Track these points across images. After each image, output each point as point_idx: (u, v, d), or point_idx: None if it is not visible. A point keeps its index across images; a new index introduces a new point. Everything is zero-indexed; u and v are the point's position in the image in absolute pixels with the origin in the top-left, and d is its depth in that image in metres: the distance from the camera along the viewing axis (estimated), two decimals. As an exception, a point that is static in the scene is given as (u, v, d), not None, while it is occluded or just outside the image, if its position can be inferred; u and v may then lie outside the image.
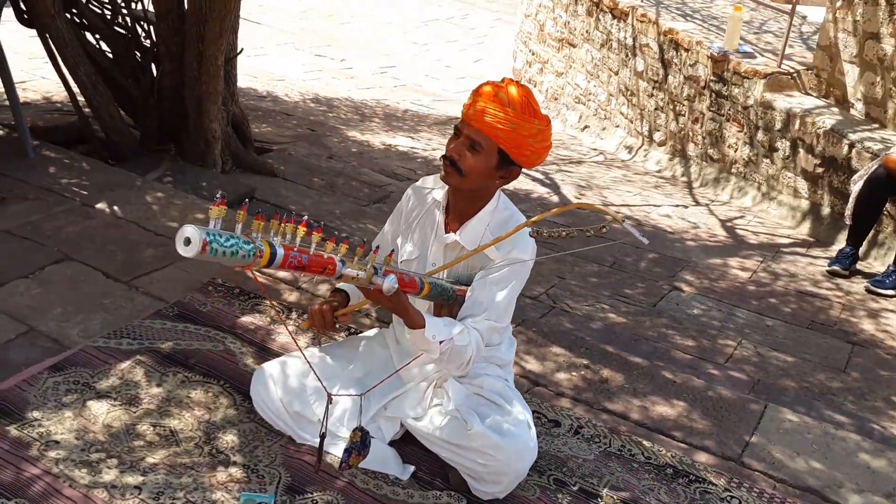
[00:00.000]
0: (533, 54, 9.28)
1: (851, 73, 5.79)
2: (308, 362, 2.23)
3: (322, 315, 2.20)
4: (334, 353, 2.45)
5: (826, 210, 5.60)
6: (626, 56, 7.51)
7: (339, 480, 2.19)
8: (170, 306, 2.90)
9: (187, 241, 1.53)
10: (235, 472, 2.18)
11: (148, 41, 4.53)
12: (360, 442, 2.08)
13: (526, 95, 2.10)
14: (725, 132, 6.48)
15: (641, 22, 7.23)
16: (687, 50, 6.77)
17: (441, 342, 2.04)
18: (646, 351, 3.39)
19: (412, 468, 2.25)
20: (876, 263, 5.07)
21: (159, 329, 2.76)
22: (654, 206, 5.94)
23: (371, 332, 2.61)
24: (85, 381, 2.45)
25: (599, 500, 2.22)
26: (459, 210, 2.25)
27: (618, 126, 7.84)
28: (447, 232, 2.26)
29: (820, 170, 5.60)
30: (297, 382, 2.34)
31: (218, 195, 1.58)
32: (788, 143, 5.87)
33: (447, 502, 2.16)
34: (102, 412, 2.35)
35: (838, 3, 5.80)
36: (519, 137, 2.09)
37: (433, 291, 2.12)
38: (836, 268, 4.83)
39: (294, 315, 2.95)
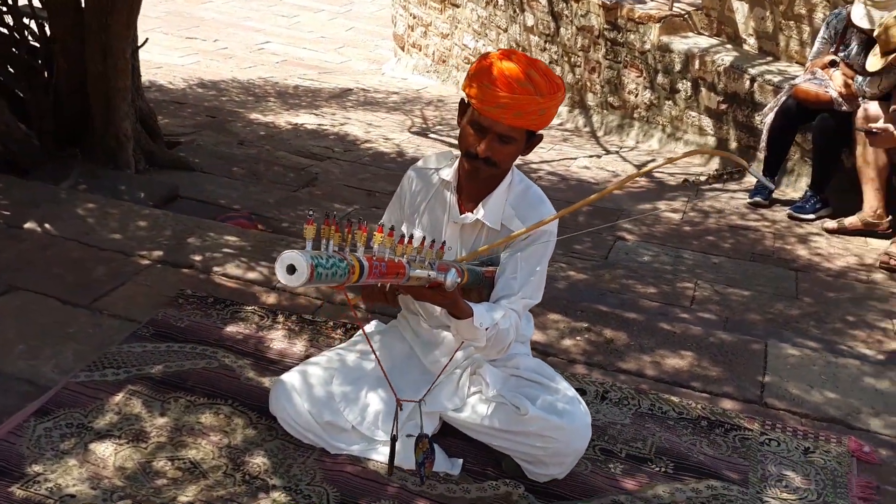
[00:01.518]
0: (414, 17, 9.11)
1: (741, 10, 5.99)
2: (380, 365, 2.07)
3: (382, 288, 2.03)
4: (349, 356, 2.31)
5: (733, 144, 5.80)
6: (515, 12, 7.49)
7: (390, 486, 2.08)
8: (143, 326, 2.66)
9: (291, 269, 1.36)
10: (279, 496, 2.03)
11: (35, 40, 4.11)
12: (430, 448, 1.96)
13: (545, 71, 1.98)
14: (624, 79, 6.59)
15: (527, -24, 7.23)
16: (577, 1, 6.80)
17: (486, 329, 1.95)
18: (614, 305, 3.41)
19: (460, 461, 2.17)
20: (788, 190, 5.30)
21: (141, 353, 2.52)
22: (571, 159, 5.99)
23: (374, 326, 2.48)
24: (79, 423, 2.21)
25: (650, 463, 2.20)
26: (475, 189, 2.15)
27: (512, 82, 7.84)
28: (462, 212, 2.16)
29: (723, 106, 5.79)
30: (323, 391, 2.19)
31: (310, 213, 1.42)
32: (689, 84, 6.02)
33: (506, 491, 2.08)
34: (110, 453, 2.12)
35: (722, -57, 5.96)
36: (548, 115, 2.00)
37: (470, 278, 2.02)
38: (757, 199, 5.03)
39: (281, 318, 2.77)
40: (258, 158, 4.99)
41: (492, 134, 1.98)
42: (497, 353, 2.06)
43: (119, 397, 2.32)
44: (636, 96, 6.54)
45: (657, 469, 2.17)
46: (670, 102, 6.25)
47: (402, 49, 9.35)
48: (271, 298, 2.90)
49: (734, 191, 5.36)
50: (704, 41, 6.13)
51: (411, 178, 2.26)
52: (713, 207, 5.04)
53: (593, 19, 6.68)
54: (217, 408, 2.31)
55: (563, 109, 7.24)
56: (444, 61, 8.74)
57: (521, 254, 2.09)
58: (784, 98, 4.91)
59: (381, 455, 2.15)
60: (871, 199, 4.58)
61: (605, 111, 6.87)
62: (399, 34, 9.41)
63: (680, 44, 6.09)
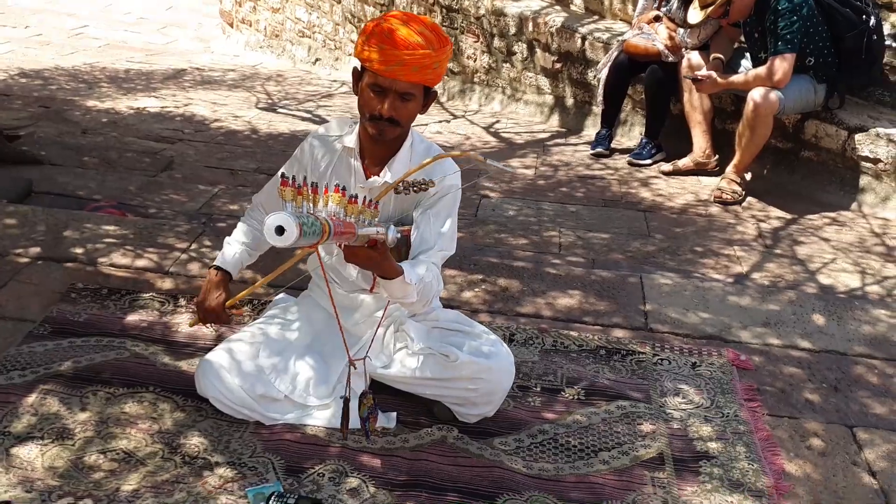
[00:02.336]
0: (240, -8, 8.90)
1: (566, -27, 6.31)
2: (335, 308, 2.06)
3: (215, 313, 2.23)
4: (271, 329, 2.35)
5: (570, 101, 6.15)
6: (347, -18, 7.50)
7: (331, 447, 2.16)
8: (39, 325, 2.56)
9: (280, 231, 1.41)
10: (224, 471, 2.06)
11: None
12: (374, 405, 2.05)
13: (433, 27, 2.09)
14: (462, 44, 6.79)
15: (356, -54, 7.24)
16: (409, -31, 6.91)
17: (415, 284, 2.06)
18: (494, 256, 3.61)
19: (394, 414, 2.27)
20: (623, 139, 5.71)
21: (44, 352, 2.44)
22: (423, 125, 6.13)
23: (283, 298, 2.53)
24: (-5, 429, 2.13)
25: (563, 393, 2.41)
26: (378, 153, 2.23)
27: (350, 55, 7.85)
28: (369, 177, 2.24)
29: (558, 65, 6.11)
30: (252, 365, 2.23)
31: (283, 174, 1.47)
32: (525, 46, 6.30)
33: (442, 435, 2.22)
34: (35, 455, 2.07)
35: None
36: (441, 69, 2.11)
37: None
38: (599, 149, 5.38)
39: (183, 302, 2.74)
40: (107, 146, 4.79)
41: (393, 93, 2.06)
42: (423, 306, 2.18)
43: (32, 398, 2.24)
44: (475, 61, 6.76)
45: (570, 397, 2.38)
46: (508, 65, 6.51)
47: (231, 26, 9.11)
48: (167, 283, 2.86)
49: (575, 144, 5.71)
50: (536, 4, 6.43)
51: (313, 146, 2.31)
52: (561, 161, 5.35)
53: (427, -14, 6.81)
54: (139, 396, 2.30)
55: (404, 77, 7.36)
56: (276, 35, 8.61)
57: (432, 210, 2.21)
58: (616, 54, 5.27)
59: (316, 420, 2.22)
60: (700, 141, 5.03)
61: (446, 77, 7.05)
62: (227, 10, 9.16)
63: (513, 7, 6.35)
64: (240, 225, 2.40)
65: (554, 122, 6.20)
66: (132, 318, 2.65)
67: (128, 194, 4.03)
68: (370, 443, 2.16)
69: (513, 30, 6.33)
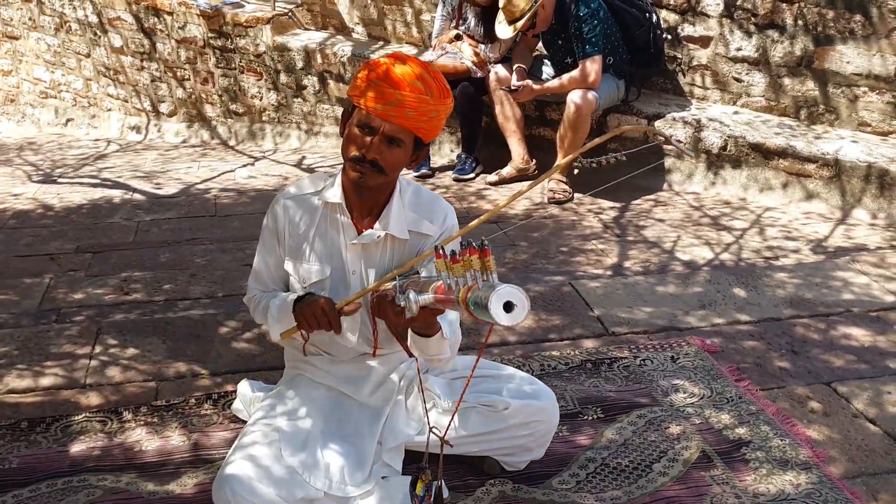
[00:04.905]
0: (-45, 57, 7.81)
1: (342, 1, 6.29)
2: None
3: (326, 315, 1.93)
4: (280, 423, 2.08)
5: (373, 127, 6.12)
6: (96, 35, 6.87)
7: (389, 531, 1.97)
8: (-34, 486, 2.07)
9: (509, 307, 1.23)
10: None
11: None
12: (432, 479, 1.89)
13: (436, 74, 1.99)
14: (244, 84, 6.51)
15: (101, -6, 6.67)
16: (170, 14, 6.49)
17: (449, 337, 1.95)
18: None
19: (442, 482, 2.11)
20: (435, 157, 5.78)
21: (-7, 515, 1.98)
22: (230, 171, 5.78)
23: (260, 385, 2.29)
24: None
25: (582, 416, 2.39)
26: (366, 205, 2.08)
27: (110, 109, 7.22)
28: (360, 231, 2.08)
29: (355, 94, 6.06)
30: (281, 469, 1.96)
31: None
32: (316, 78, 6.18)
33: (499, 491, 2.11)
34: None
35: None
36: (437, 121, 2.01)
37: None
38: (423, 171, 5.41)
39: (128, 416, 2.35)
40: None
41: (380, 135, 1.94)
42: (451, 359, 2.06)
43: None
44: (261, 100, 6.51)
45: (590, 418, 2.38)
46: (300, 100, 6.35)
47: (-51, 96, 7.98)
48: (94, 399, 2.45)
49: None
50: (317, 35, 6.33)
51: (287, 208, 2.10)
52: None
53: (195, 30, 6.45)
54: (143, 535, 1.94)
55: (180, 127, 6.91)
56: (12, 100, 7.68)
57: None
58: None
59: (363, 508, 2.01)
60: (518, 149, 5.25)
61: (230, 120, 6.72)
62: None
63: (296, 41, 6.21)
64: (264, 304, 2.14)
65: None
66: (77, 448, 2.23)
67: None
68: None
69: (300, 64, 6.18)
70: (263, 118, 6.59)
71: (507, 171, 5.26)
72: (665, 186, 5.08)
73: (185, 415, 2.38)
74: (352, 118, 1.98)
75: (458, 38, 5.24)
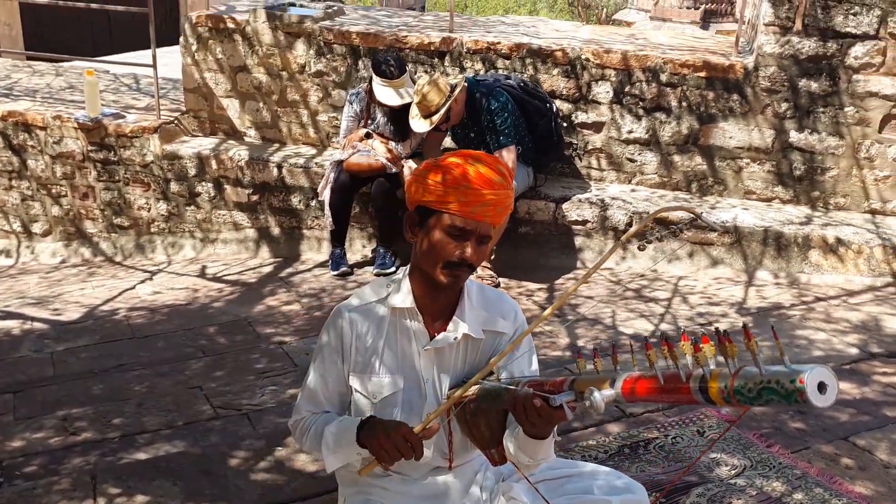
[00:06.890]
0: None
1: (233, 107, 6.20)
2: None
3: (410, 443, 1.85)
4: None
5: (276, 230, 5.99)
6: (-46, 153, 6.35)
7: None
8: None
9: (822, 387, 1.21)
10: None
11: None
12: None
13: (496, 160, 2.00)
14: (129, 196, 6.21)
15: (-40, 111, 6.20)
16: (44, 128, 6.14)
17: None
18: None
19: None
20: (348, 255, 5.73)
21: None
22: (130, 289, 5.44)
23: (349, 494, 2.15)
24: None
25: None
26: (436, 307, 2.04)
27: (-29, 233, 6.64)
28: (433, 335, 2.04)
29: (255, 197, 5.94)
30: None
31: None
32: (211, 185, 6.00)
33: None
34: None
35: (194, 47, 6.07)
36: (510, 206, 2.03)
37: None
38: (343, 269, 5.36)
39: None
40: None
41: (475, 236, 1.93)
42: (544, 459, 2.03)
43: None
44: (149, 211, 6.23)
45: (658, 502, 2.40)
46: (192, 207, 6.13)
47: None
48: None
49: (310, 269, 5.60)
50: (209, 141, 6.18)
51: (354, 322, 2.03)
52: (314, 289, 5.21)
53: (72, 144, 6.12)
54: None
55: (57, 246, 6.48)
56: None
57: (523, 347, 2.08)
58: (334, 175, 5.32)
59: None
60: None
61: (114, 234, 6.37)
62: None
63: (186, 149, 6.02)
64: (315, 431, 2.03)
65: (264, 254, 6.00)
66: None
67: None
68: None
69: (193, 171, 5.99)
70: (152, 229, 6.29)
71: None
72: (579, 264, 5.30)
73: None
74: (429, 223, 1.95)
75: (368, 136, 5.30)
